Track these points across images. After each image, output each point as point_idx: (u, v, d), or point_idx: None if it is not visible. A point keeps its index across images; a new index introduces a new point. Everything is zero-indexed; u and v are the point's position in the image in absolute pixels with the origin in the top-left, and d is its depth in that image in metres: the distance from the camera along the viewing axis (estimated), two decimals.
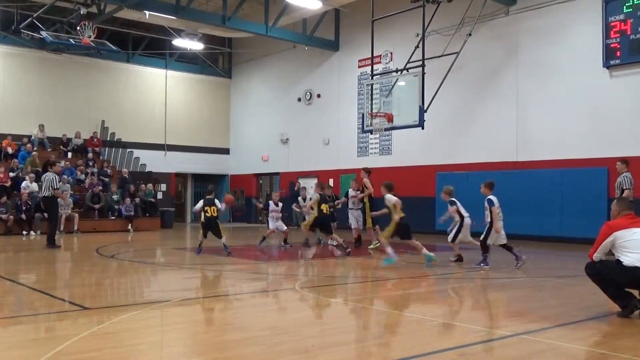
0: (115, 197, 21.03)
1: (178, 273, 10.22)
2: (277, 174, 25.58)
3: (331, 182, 21.55)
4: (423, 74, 14.27)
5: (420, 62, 14.53)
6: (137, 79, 25.83)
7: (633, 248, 5.91)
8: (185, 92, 27.08)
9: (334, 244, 13.56)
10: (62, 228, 18.29)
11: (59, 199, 14.32)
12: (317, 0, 18.90)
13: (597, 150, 15.04)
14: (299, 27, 22.33)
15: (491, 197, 10.28)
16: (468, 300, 7.45)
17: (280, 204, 14.34)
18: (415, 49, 15.74)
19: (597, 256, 6.18)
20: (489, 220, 10.21)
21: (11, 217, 18.20)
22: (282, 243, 14.17)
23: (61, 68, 23.65)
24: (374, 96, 16.60)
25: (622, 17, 14.75)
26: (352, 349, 5.07)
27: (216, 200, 12.14)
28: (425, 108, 14.32)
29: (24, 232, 18.22)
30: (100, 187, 21.08)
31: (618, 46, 14.83)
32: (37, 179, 19.54)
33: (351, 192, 14.35)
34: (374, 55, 16.56)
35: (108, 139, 24.84)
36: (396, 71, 17.54)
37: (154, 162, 25.38)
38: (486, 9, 16.71)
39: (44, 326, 5.88)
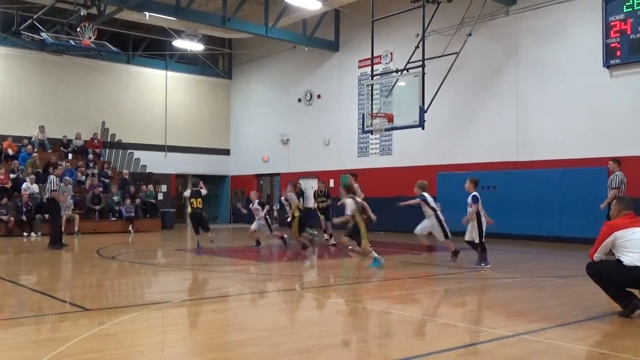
0: (115, 198, 21.04)
1: (179, 274, 10.23)
2: (277, 174, 25.58)
3: (332, 182, 21.55)
4: (423, 74, 14.27)
5: (421, 63, 14.53)
6: (138, 80, 25.84)
7: (633, 248, 5.91)
8: (185, 93, 27.09)
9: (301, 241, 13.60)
10: (62, 229, 18.28)
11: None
12: (317, 1, 18.90)
13: (597, 150, 15.03)
14: (299, 27, 22.33)
15: (476, 193, 10.22)
16: (468, 300, 7.45)
17: (261, 204, 13.99)
18: (415, 49, 15.74)
19: (597, 256, 6.19)
20: (474, 216, 10.16)
21: (12, 218, 18.21)
22: (283, 243, 14.06)
23: (61, 69, 23.66)
24: (374, 96, 16.60)
25: (622, 16, 14.75)
26: (353, 349, 5.07)
27: (201, 190, 12.46)
28: (425, 108, 14.31)
29: (25, 234, 18.23)
30: (101, 189, 21.09)
31: (618, 46, 14.83)
32: (38, 181, 19.59)
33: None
34: (374, 55, 16.55)
35: (108, 140, 24.84)
36: (396, 71, 17.54)
37: (155, 163, 25.39)
38: (486, 9, 16.71)
39: (44, 327, 5.89)
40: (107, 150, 24.78)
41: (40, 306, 7.00)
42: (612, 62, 14.97)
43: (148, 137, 25.69)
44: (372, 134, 17.49)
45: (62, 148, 23.15)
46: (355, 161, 21.88)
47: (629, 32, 14.62)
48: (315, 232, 14.77)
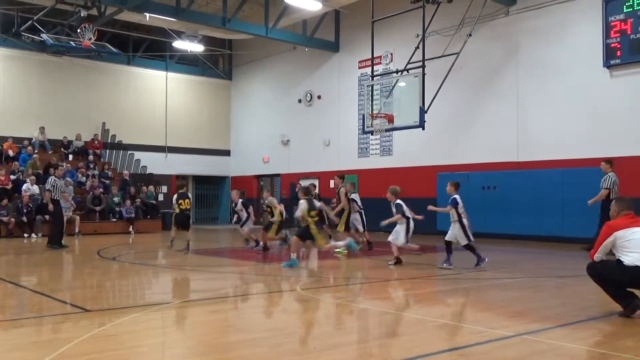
0: (116, 199, 21.04)
1: (179, 275, 10.23)
2: (277, 175, 25.59)
3: (332, 183, 21.55)
4: (423, 74, 14.27)
5: (421, 63, 14.53)
6: (138, 81, 25.85)
7: (633, 247, 5.92)
8: (185, 94, 27.10)
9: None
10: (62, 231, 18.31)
11: (61, 202, 14.62)
12: (317, 2, 18.90)
13: (598, 150, 15.02)
14: (299, 28, 22.34)
15: (456, 196, 10.23)
16: (469, 300, 7.45)
17: (244, 204, 13.84)
18: (415, 50, 15.73)
19: (598, 256, 6.19)
20: (455, 219, 10.17)
21: (12, 219, 18.22)
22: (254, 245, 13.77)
23: (62, 70, 23.68)
24: (374, 97, 16.58)
25: (622, 16, 14.75)
26: (354, 350, 5.07)
27: (189, 194, 13.03)
28: (425, 109, 14.31)
29: (25, 235, 18.23)
30: (101, 190, 21.10)
31: (618, 46, 14.83)
32: (38, 182, 19.60)
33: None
34: (374, 56, 16.55)
35: (109, 141, 24.85)
36: (396, 72, 17.54)
37: (155, 164, 25.39)
38: (486, 9, 16.71)
39: (45, 328, 5.89)
40: (108, 151, 24.79)
41: (41, 307, 7.00)
42: (612, 62, 14.97)
43: (148, 138, 25.69)
44: (372, 134, 17.48)
45: (62, 149, 23.16)
46: (355, 162, 21.89)
47: (629, 32, 14.61)
48: (288, 232, 14.80)
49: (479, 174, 17.78)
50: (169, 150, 26.32)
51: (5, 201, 18.40)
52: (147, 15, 20.04)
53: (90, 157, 23.23)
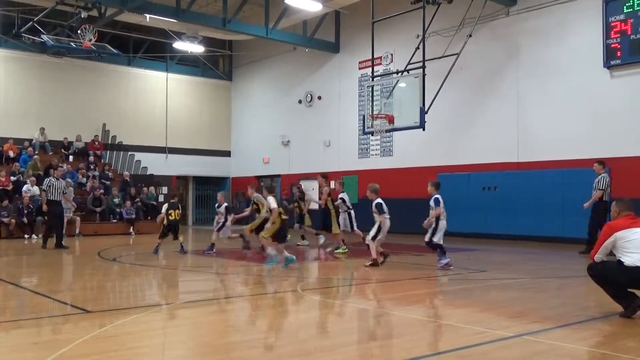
0: (116, 200, 21.04)
1: (180, 276, 10.23)
2: (278, 176, 25.60)
3: (332, 184, 21.53)
4: (423, 75, 14.26)
5: (421, 64, 14.53)
6: (138, 82, 25.87)
7: (634, 248, 5.92)
8: (186, 95, 27.12)
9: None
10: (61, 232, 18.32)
11: (63, 202, 14.88)
12: (317, 2, 18.91)
13: (598, 151, 15.01)
14: (299, 29, 22.35)
15: (437, 196, 10.23)
16: (469, 301, 7.44)
17: (227, 208, 13.69)
18: (415, 50, 15.73)
19: (598, 257, 6.19)
20: (433, 219, 10.16)
21: (13, 220, 18.22)
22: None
23: (62, 71, 23.69)
24: (374, 98, 16.58)
25: (622, 17, 14.75)
26: (354, 351, 5.07)
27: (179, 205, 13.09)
28: (426, 109, 14.31)
29: (26, 236, 18.24)
30: (102, 191, 21.10)
31: (618, 46, 14.83)
32: (39, 183, 19.59)
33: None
34: (375, 56, 16.56)
35: (109, 142, 24.87)
36: (397, 72, 17.52)
37: (155, 165, 25.41)
38: (486, 10, 16.71)
39: (46, 330, 5.89)
40: (108, 152, 24.80)
41: (42, 308, 7.01)
42: (612, 62, 14.97)
43: (149, 139, 25.71)
44: (372, 135, 17.49)
45: (62, 150, 23.17)
46: (355, 162, 21.89)
47: (629, 33, 14.62)
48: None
49: (479, 174, 17.78)
50: (170, 151, 26.33)
51: (5, 202, 18.40)
52: (148, 16, 20.05)
53: (91, 158, 23.24)
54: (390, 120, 14.87)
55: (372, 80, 16.85)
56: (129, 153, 25.09)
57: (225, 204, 13.76)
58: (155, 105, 26.10)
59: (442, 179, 18.52)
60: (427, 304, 7.49)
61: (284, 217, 10.32)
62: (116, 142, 25.00)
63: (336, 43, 22.97)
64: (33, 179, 19.61)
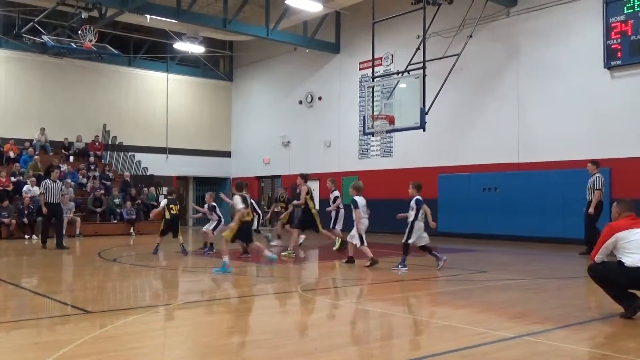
0: (117, 200, 21.05)
1: (180, 276, 10.22)
2: (278, 176, 25.60)
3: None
4: (424, 75, 14.28)
5: (421, 64, 14.54)
6: (139, 83, 25.88)
7: (635, 249, 5.91)
8: (186, 96, 27.13)
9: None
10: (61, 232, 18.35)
11: (61, 204, 15.09)
12: (318, 3, 18.92)
13: (599, 151, 15.01)
14: (299, 29, 22.35)
15: (419, 197, 10.21)
16: (470, 301, 7.44)
17: (211, 207, 13.51)
18: (416, 51, 15.75)
19: (599, 258, 6.19)
20: (411, 220, 10.14)
21: (13, 221, 18.22)
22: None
23: (62, 72, 23.71)
24: (375, 98, 16.60)
25: (622, 17, 14.74)
26: (355, 351, 5.07)
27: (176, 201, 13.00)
28: (426, 110, 14.32)
29: (26, 236, 18.24)
30: (102, 191, 21.12)
31: (619, 47, 14.83)
32: (39, 183, 19.60)
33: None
34: (375, 57, 16.59)
35: (110, 142, 24.88)
36: (397, 73, 17.55)
37: (156, 165, 25.42)
38: (487, 11, 16.72)
39: (46, 330, 5.88)
40: (109, 152, 24.82)
41: (42, 309, 7.01)
42: (613, 63, 14.97)
43: (149, 139, 25.72)
44: (373, 135, 17.50)
45: (63, 150, 23.18)
46: (356, 163, 21.90)
47: (629, 34, 14.62)
48: (269, 235, 14.83)
49: (479, 175, 17.79)
50: (170, 152, 26.34)
51: (6, 203, 18.41)
52: (148, 16, 20.07)
53: (91, 159, 23.25)
54: (391, 120, 14.87)
55: (373, 80, 16.87)
56: (130, 153, 25.09)
57: (213, 203, 13.69)
58: (156, 106, 26.11)
59: (443, 180, 18.65)
60: (427, 305, 7.48)
61: (246, 218, 9.92)
62: (117, 143, 25.01)
63: (337, 44, 22.97)
64: (33, 179, 19.62)
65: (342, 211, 13.37)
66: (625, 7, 14.71)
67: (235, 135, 28.18)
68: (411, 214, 10.14)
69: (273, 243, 14.90)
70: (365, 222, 10.79)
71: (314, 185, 21.85)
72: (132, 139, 25.20)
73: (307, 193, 12.69)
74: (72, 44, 19.02)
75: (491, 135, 17.78)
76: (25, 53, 22.54)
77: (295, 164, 24.38)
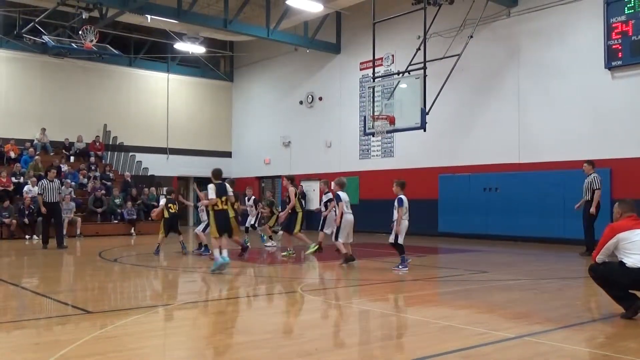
0: (117, 200, 21.05)
1: (180, 276, 10.23)
2: (279, 177, 25.57)
3: (334, 184, 21.51)
4: (425, 76, 14.27)
5: (422, 65, 14.54)
6: (139, 83, 25.89)
7: (636, 249, 5.91)
8: (187, 96, 27.13)
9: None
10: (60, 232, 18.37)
11: (61, 204, 15.38)
12: (319, 3, 18.92)
13: (600, 152, 15.02)
14: (300, 30, 22.35)
15: (402, 196, 10.18)
16: (471, 302, 7.44)
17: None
18: (416, 52, 15.74)
19: (600, 258, 6.18)
20: (394, 218, 10.12)
21: (14, 221, 18.23)
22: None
23: (63, 72, 23.72)
24: (375, 99, 16.60)
25: (623, 18, 14.74)
26: (356, 352, 5.07)
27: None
28: (427, 110, 14.32)
29: (27, 237, 18.24)
30: (103, 191, 21.11)
31: (620, 47, 14.82)
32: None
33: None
34: (376, 57, 16.57)
35: (110, 142, 24.88)
36: (398, 73, 17.55)
37: (156, 165, 25.42)
38: (487, 11, 16.72)
39: (47, 330, 5.88)
40: (109, 152, 24.82)
41: (43, 309, 7.01)
42: (613, 63, 14.96)
43: (150, 139, 25.72)
44: (373, 136, 17.51)
45: (64, 151, 23.19)
46: (357, 163, 21.89)
47: (630, 34, 14.61)
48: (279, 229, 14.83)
49: (480, 175, 17.78)
50: (171, 152, 26.35)
51: (7, 203, 18.43)
52: (149, 17, 20.06)
53: (92, 159, 23.26)
54: (391, 121, 14.87)
55: (373, 81, 16.87)
56: (130, 154, 25.10)
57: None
58: (156, 106, 26.11)
59: (443, 180, 18.65)
60: (428, 305, 7.47)
61: (217, 208, 9.58)
62: (117, 143, 25.02)
63: (337, 44, 22.97)
64: (34, 179, 19.61)
65: (332, 213, 13.33)
66: (626, 8, 14.70)
67: (235, 135, 28.19)
68: (395, 214, 10.12)
69: (267, 244, 14.93)
70: (349, 218, 10.79)
71: (314, 186, 21.86)
72: (133, 139, 25.20)
73: (295, 195, 12.68)
74: (73, 44, 19.03)
75: (492, 136, 17.77)
76: (26, 53, 22.55)
77: (296, 164, 24.38)
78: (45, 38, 19.05)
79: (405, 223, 10.11)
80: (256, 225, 15.31)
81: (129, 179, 22.91)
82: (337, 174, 22.27)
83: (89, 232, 19.46)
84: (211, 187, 9.69)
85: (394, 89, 16.12)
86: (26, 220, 18.33)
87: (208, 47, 24.40)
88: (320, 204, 13.40)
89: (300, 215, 12.75)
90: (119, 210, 20.84)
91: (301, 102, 24.49)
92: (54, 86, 23.58)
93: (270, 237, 15.30)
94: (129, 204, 20.98)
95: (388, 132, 15.72)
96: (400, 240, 10.10)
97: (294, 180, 13.15)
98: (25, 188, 19.25)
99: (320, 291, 8.50)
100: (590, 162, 13.01)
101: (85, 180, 21.82)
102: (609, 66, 15.07)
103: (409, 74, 15.75)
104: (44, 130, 22.90)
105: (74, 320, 6.28)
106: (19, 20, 20.88)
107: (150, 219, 18.72)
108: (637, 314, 5.98)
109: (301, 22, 21.78)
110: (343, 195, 10.85)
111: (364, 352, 5.08)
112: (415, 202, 19.04)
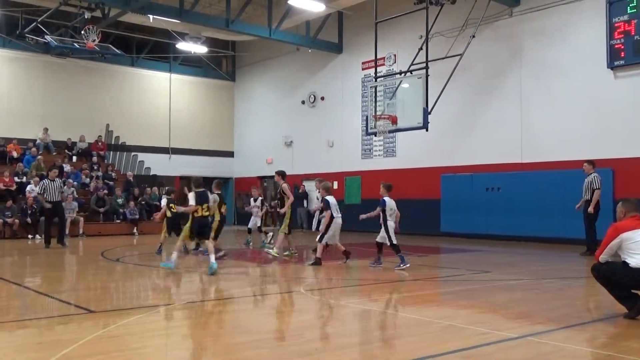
0: (120, 200, 21.07)
1: (183, 276, 10.23)
2: None
3: (335, 184, 21.56)
4: (427, 75, 14.27)
5: (424, 64, 14.54)
6: (141, 83, 25.91)
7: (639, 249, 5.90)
8: (189, 96, 27.15)
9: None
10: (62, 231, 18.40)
11: (63, 203, 15.38)
12: (320, 3, 18.92)
13: (602, 151, 15.00)
14: (302, 29, 22.36)
15: (386, 198, 10.29)
16: (473, 302, 7.43)
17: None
18: (418, 51, 15.74)
19: (603, 258, 6.17)
20: (381, 221, 10.24)
21: (17, 221, 18.27)
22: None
23: (65, 72, 23.75)
24: (377, 98, 16.61)
25: (626, 17, 14.71)
26: (357, 352, 5.07)
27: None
28: (429, 110, 14.32)
29: (30, 236, 18.27)
30: (105, 191, 21.14)
31: (622, 47, 14.80)
32: None
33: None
34: (378, 57, 16.57)
35: (113, 142, 24.92)
36: (400, 73, 17.53)
37: (159, 165, 25.45)
38: (490, 11, 16.70)
39: (49, 330, 5.89)
40: (112, 152, 24.86)
41: (45, 308, 7.02)
42: (616, 63, 14.94)
43: (152, 139, 25.75)
44: (375, 135, 17.50)
45: (66, 150, 23.23)
46: (359, 163, 21.89)
47: (633, 33, 14.58)
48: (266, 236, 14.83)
49: (482, 175, 17.77)
50: (173, 152, 26.37)
51: (9, 202, 18.46)
52: (151, 17, 20.08)
53: (94, 159, 23.29)
54: (394, 120, 14.88)
55: (375, 80, 16.87)
56: (132, 153, 25.13)
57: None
58: (159, 106, 26.14)
59: (446, 180, 18.64)
60: (430, 305, 7.47)
61: (196, 214, 9.88)
62: (119, 143, 25.05)
63: (339, 44, 22.97)
64: (37, 179, 19.65)
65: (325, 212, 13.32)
66: (628, 7, 14.68)
67: (237, 135, 28.20)
68: (381, 216, 10.26)
69: (269, 251, 14.73)
70: (338, 222, 10.87)
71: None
72: (135, 139, 25.23)
73: (289, 189, 12.67)
74: (75, 44, 19.06)
75: (494, 135, 17.76)
76: (29, 53, 22.59)
77: (298, 164, 24.38)
78: (48, 38, 19.08)
79: (391, 223, 10.24)
80: (262, 227, 15.23)
81: (131, 178, 22.94)
82: (339, 173, 22.35)
83: (91, 231, 19.50)
84: (191, 196, 10.04)
85: (396, 88, 16.11)
86: (29, 219, 18.36)
87: (210, 46, 24.42)
88: (317, 203, 13.38)
89: (288, 213, 12.44)
90: (121, 210, 20.86)
91: (303, 102, 24.49)
92: (57, 86, 23.61)
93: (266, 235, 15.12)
94: (132, 203, 21.01)
95: (390, 131, 15.72)
96: (394, 241, 10.22)
97: (285, 176, 12.98)
98: (28, 188, 19.29)
99: (321, 291, 8.50)
100: (591, 162, 12.99)
101: (88, 180, 21.85)
102: (611, 66, 15.04)
103: (411, 73, 15.74)
104: (46, 130, 22.94)
105: (76, 319, 6.29)
106: (21, 20, 20.90)
107: (151, 219, 18.76)
108: (639, 314, 5.97)
109: (303, 21, 21.79)
110: (331, 199, 10.91)
111: (364, 352, 5.08)
112: (418, 202, 19.10)
